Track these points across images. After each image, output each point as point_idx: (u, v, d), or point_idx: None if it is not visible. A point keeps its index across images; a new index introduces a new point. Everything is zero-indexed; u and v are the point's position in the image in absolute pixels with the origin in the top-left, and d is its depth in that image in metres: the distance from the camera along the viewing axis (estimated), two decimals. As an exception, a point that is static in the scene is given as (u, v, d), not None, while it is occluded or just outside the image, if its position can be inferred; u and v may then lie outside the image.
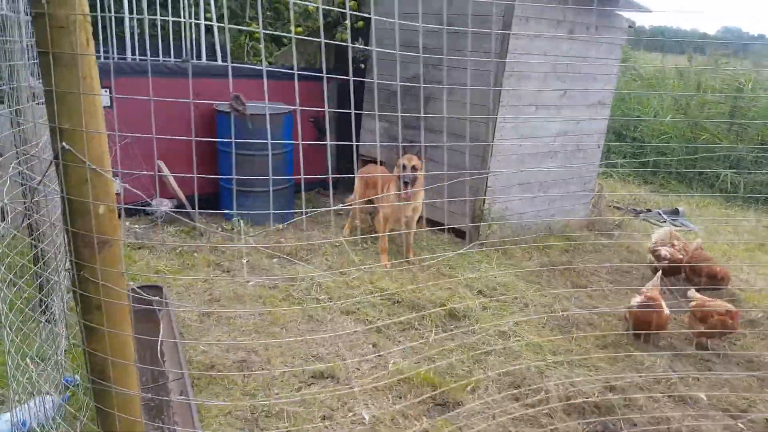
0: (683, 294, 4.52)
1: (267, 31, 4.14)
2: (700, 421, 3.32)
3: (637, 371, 3.77)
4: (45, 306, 2.85)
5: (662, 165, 8.57)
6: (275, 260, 4.98)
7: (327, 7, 6.37)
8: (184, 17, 6.03)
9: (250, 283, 4.53)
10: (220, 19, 6.87)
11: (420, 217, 5.33)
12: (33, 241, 2.68)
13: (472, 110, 5.32)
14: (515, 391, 3.44)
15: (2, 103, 2.99)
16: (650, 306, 3.99)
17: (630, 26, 6.24)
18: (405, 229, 5.26)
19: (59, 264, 2.70)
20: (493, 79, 5.31)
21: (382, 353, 3.74)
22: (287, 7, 6.62)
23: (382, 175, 5.29)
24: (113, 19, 5.80)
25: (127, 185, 1.70)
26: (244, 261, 4.97)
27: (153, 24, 6.40)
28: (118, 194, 1.58)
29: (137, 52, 6.06)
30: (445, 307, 4.31)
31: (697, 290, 4.38)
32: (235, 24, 7.59)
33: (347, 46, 2.15)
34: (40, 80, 1.49)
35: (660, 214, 7.06)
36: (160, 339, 2.60)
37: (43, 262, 2.66)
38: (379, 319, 4.16)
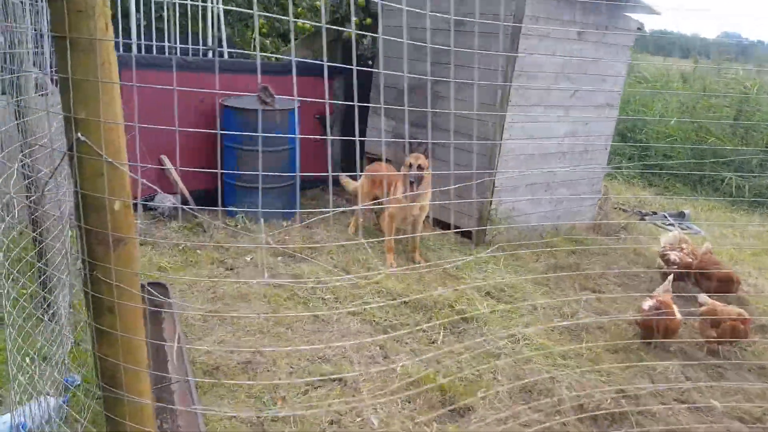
0: (692, 297, 4.46)
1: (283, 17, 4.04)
2: (716, 430, 3.25)
3: (650, 377, 3.70)
4: (47, 304, 2.76)
5: (667, 167, 8.51)
6: (279, 258, 4.90)
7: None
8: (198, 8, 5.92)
9: (254, 282, 4.44)
10: (227, 13, 6.79)
11: (426, 217, 5.25)
12: (38, 236, 2.59)
13: (481, 110, 5.25)
14: (527, 398, 3.37)
15: (4, 93, 2.89)
16: (662, 311, 3.92)
17: (639, 28, 6.19)
18: (411, 228, 5.18)
19: (64, 260, 2.62)
20: (502, 78, 5.24)
21: (390, 357, 3.66)
22: (294, 3, 6.53)
23: (389, 174, 5.21)
24: (119, 11, 5.69)
25: (144, 180, 1.61)
26: (248, 258, 4.88)
27: (159, 17, 6.29)
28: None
29: (143, 47, 5.97)
30: (453, 309, 4.23)
31: (708, 295, 4.31)
32: (239, 20, 7.49)
33: (353, 43, 2.06)
34: (43, 69, 1.40)
35: (666, 217, 7.00)
36: (175, 345, 2.51)
37: (47, 259, 2.57)
38: (386, 320, 4.08)
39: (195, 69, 5.66)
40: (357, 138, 2.19)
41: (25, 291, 2.58)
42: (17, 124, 2.45)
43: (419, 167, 4.82)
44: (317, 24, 6.68)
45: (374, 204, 5.46)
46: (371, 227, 5.93)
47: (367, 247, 5.08)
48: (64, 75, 1.35)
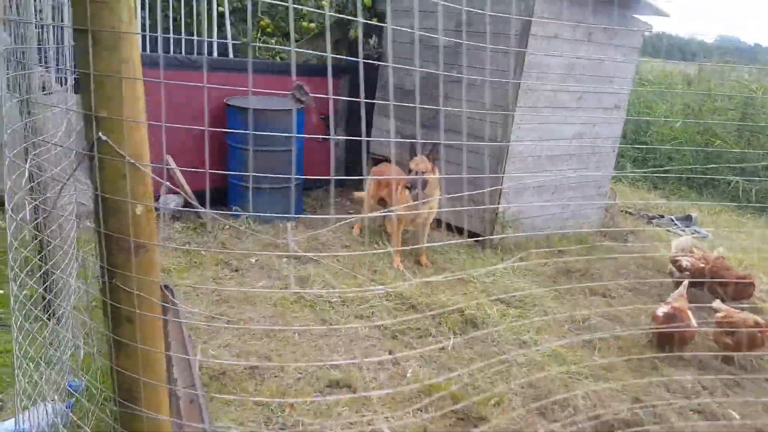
0: (701, 302, 4.39)
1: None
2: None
3: (665, 385, 3.62)
4: (52, 307, 2.67)
5: (673, 171, 8.44)
6: (284, 260, 4.81)
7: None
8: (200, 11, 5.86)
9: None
10: (232, 12, 6.71)
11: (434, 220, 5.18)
12: (45, 238, 2.50)
13: (489, 111, 5.19)
14: (541, 405, 3.28)
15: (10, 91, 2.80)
16: (677, 318, 3.85)
17: (647, 30, 6.14)
18: (419, 231, 5.10)
19: (69, 263, 2.53)
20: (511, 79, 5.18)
21: (401, 364, 3.58)
22: (300, 3, 6.44)
23: (396, 176, 5.13)
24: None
25: (167, 183, 1.53)
26: (253, 260, 4.79)
27: (165, 16, 6.21)
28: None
29: (148, 46, 5.89)
30: (462, 313, 4.15)
31: (722, 301, 4.24)
32: (241, 19, 7.40)
33: (359, 43, 1.99)
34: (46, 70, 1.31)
35: (672, 221, 6.93)
36: (197, 358, 2.42)
37: (53, 261, 2.48)
38: (394, 324, 4.00)
39: (211, 68, 5.63)
40: (363, 138, 2.11)
41: (30, 293, 2.49)
42: (24, 123, 2.37)
43: (422, 171, 4.73)
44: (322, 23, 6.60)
45: (381, 212, 5.37)
46: (376, 228, 5.85)
47: (392, 252, 4.99)
48: (85, 71, 1.26)
